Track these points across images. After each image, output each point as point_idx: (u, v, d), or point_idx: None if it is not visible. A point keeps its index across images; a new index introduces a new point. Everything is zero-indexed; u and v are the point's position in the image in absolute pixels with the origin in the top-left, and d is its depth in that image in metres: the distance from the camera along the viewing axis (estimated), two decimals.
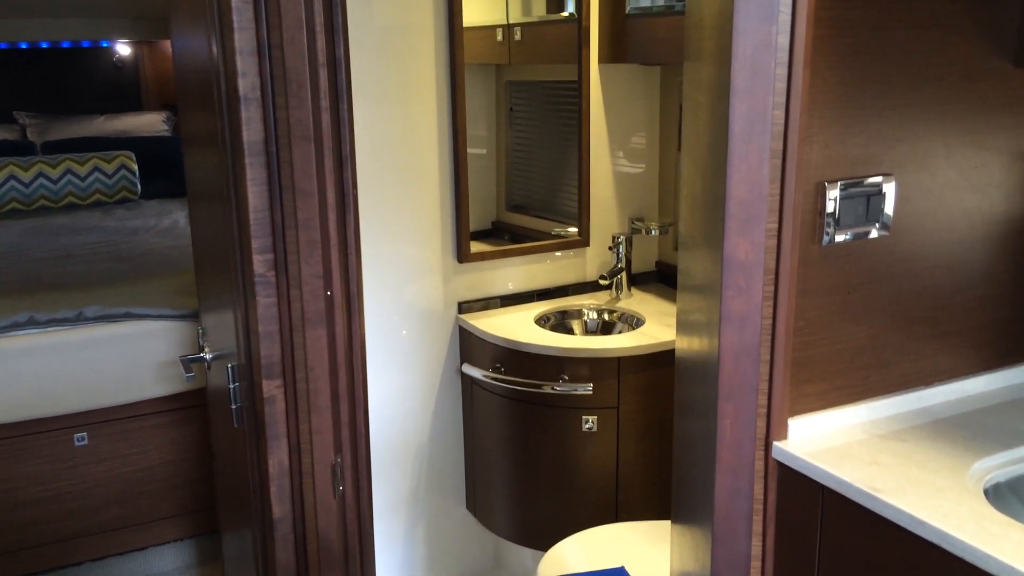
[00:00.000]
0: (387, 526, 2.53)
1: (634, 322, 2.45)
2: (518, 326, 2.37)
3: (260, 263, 1.35)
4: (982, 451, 1.35)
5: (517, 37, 2.55)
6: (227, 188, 1.40)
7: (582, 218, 2.59)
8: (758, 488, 1.39)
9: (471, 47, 2.34)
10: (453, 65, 2.32)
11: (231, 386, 1.53)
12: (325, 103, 1.32)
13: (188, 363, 1.89)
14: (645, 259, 2.73)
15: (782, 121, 1.27)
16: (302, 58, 1.28)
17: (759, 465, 1.39)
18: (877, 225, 1.41)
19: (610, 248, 2.62)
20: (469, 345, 2.44)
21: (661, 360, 2.23)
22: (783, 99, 1.26)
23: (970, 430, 1.43)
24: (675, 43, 2.21)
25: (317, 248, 1.35)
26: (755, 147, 1.25)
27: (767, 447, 1.39)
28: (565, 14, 2.54)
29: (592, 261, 2.65)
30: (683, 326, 1.55)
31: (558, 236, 2.62)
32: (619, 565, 1.88)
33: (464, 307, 2.48)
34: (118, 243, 3.92)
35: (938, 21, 1.37)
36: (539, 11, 2.63)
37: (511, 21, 2.54)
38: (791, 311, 1.35)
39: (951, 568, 1.15)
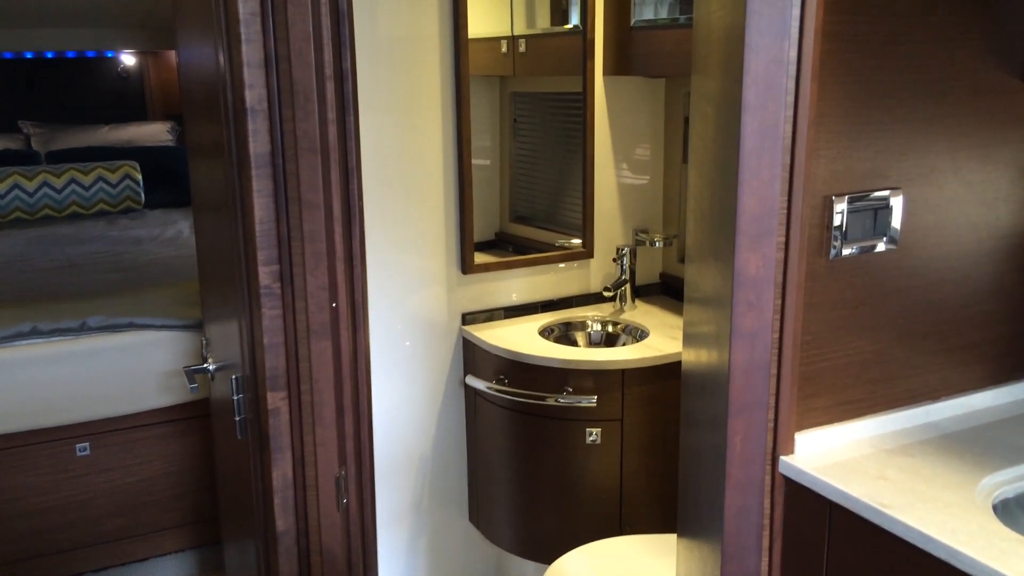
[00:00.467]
0: (390, 538, 2.51)
1: (638, 334, 2.45)
2: (522, 338, 2.37)
3: (266, 275, 1.35)
4: (990, 466, 1.35)
5: (522, 49, 2.56)
6: (233, 199, 1.40)
7: (586, 229, 2.59)
8: (765, 503, 1.39)
9: (476, 59, 2.35)
10: (458, 77, 2.32)
11: (235, 397, 1.53)
12: (332, 115, 1.33)
13: (191, 374, 1.88)
14: (649, 271, 2.73)
15: (790, 135, 1.27)
16: (309, 70, 1.28)
17: (766, 480, 1.38)
18: (884, 239, 1.41)
19: (614, 260, 2.62)
20: (473, 356, 2.44)
21: (665, 372, 2.22)
22: (791, 113, 1.26)
23: (978, 445, 1.42)
24: (680, 56, 2.21)
25: (323, 260, 1.35)
26: (767, 162, 1.25)
27: (774, 461, 1.38)
28: (569, 26, 2.54)
29: (596, 273, 2.65)
30: (690, 339, 1.55)
31: (562, 247, 2.61)
32: None
33: (468, 318, 2.47)
34: (122, 253, 3.93)
35: (945, 36, 1.37)
36: (544, 23, 2.63)
37: (516, 33, 2.55)
38: (798, 325, 1.35)
39: None
